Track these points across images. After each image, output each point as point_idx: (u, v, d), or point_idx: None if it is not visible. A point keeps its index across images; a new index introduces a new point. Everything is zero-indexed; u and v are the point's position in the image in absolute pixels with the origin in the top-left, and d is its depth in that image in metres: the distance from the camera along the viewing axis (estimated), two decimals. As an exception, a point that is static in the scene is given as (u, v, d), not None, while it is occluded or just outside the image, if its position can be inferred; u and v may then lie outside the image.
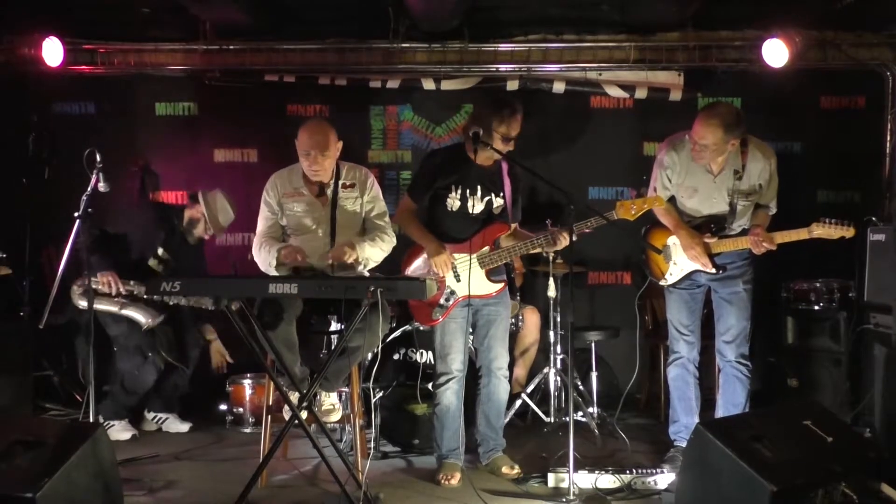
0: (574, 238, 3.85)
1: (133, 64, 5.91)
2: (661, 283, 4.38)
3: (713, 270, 4.18)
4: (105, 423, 4.71)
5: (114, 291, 4.75)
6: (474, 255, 4.13)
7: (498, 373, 4.23)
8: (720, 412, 4.31)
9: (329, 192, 4.24)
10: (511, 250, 4.15)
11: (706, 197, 4.24)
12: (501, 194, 4.20)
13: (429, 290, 3.51)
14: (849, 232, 4.01)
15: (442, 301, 4.13)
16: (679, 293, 4.35)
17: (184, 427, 5.11)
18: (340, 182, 4.26)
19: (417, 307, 4.18)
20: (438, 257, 4.06)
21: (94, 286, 4.48)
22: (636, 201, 4.01)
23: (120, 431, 4.89)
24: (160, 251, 4.98)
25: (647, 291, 4.94)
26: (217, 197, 5.03)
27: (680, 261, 4.30)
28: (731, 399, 4.26)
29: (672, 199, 4.38)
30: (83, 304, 4.72)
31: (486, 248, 4.16)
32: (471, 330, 4.27)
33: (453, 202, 4.15)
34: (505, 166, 4.22)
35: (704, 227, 4.24)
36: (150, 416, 5.14)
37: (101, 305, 4.72)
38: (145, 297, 4.84)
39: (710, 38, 5.79)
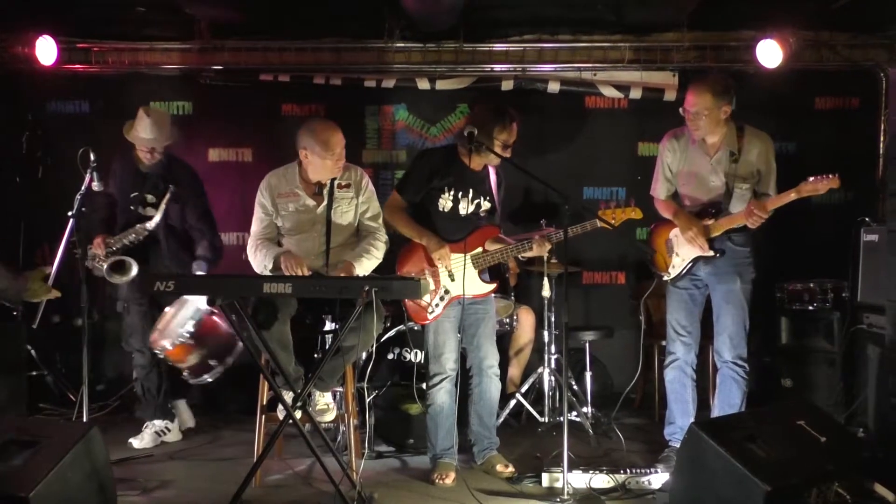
0: (550, 246, 3.99)
1: (127, 63, 5.90)
2: (666, 276, 4.38)
3: (711, 253, 4.20)
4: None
5: (103, 252, 4.68)
6: (468, 256, 4.14)
7: (489, 371, 4.24)
8: (715, 412, 4.31)
9: (325, 192, 4.23)
10: (503, 252, 4.18)
11: (704, 180, 4.27)
12: (489, 198, 4.24)
13: (424, 289, 3.51)
14: (835, 182, 4.01)
15: (437, 300, 4.14)
16: (679, 293, 4.36)
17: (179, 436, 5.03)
18: (336, 182, 4.26)
19: (412, 305, 4.18)
20: (440, 251, 4.08)
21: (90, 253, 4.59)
22: (616, 211, 4.11)
23: (146, 438, 4.82)
24: (149, 197, 4.82)
25: (641, 291, 4.94)
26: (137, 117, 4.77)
27: (682, 251, 4.31)
28: (727, 400, 4.26)
29: (675, 196, 4.44)
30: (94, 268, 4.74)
31: (480, 249, 4.18)
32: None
33: (445, 203, 4.16)
34: (492, 171, 4.26)
35: (703, 213, 4.28)
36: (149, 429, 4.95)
37: (97, 272, 4.73)
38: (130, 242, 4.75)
39: (704, 39, 5.81)
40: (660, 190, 4.42)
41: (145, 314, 4.84)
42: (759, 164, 4.22)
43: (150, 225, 4.72)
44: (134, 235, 4.73)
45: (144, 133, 4.69)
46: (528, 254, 4.19)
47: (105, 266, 4.66)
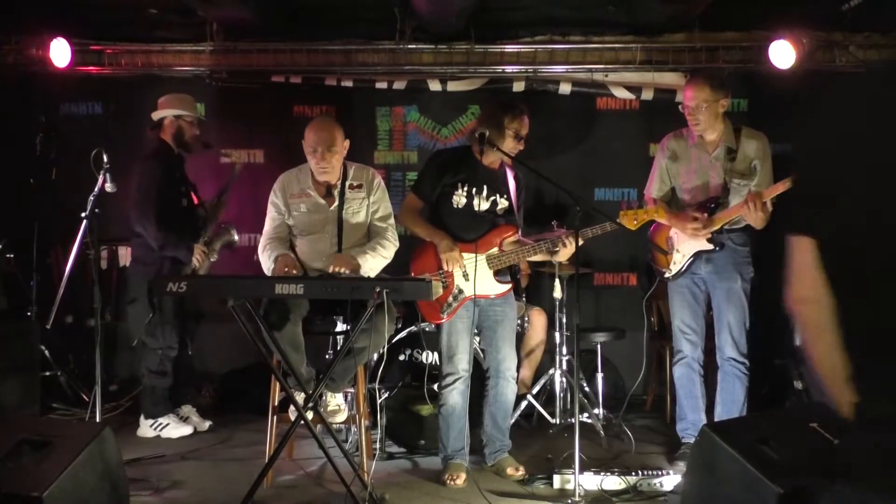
0: (580, 243, 3.90)
1: (140, 65, 5.94)
2: (667, 274, 4.43)
3: (711, 246, 4.26)
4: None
5: (205, 261, 4.88)
6: (483, 255, 4.13)
7: (507, 374, 4.23)
8: (719, 409, 4.34)
9: (336, 193, 4.24)
10: (518, 252, 4.16)
11: (704, 176, 4.34)
12: (506, 196, 4.22)
13: (435, 291, 3.51)
14: None
15: (450, 299, 4.13)
16: (681, 292, 4.40)
17: (187, 429, 5.05)
18: (347, 183, 4.27)
19: (425, 305, 4.18)
20: (450, 253, 4.08)
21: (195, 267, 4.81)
22: (638, 212, 4.11)
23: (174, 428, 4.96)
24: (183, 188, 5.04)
25: (653, 293, 4.94)
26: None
27: (682, 247, 4.36)
28: (731, 396, 4.29)
29: (671, 198, 4.48)
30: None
31: (495, 249, 4.16)
32: (476, 331, 4.27)
33: (459, 199, 4.16)
34: (510, 171, 4.25)
35: (702, 207, 4.32)
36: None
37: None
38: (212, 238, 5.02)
39: (716, 40, 5.80)
40: (654, 189, 4.50)
41: (177, 310, 4.96)
42: (756, 157, 4.30)
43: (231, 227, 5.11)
44: (227, 236, 5.04)
45: (192, 109, 5.03)
46: (554, 258, 4.15)
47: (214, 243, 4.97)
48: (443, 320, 4.14)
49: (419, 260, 4.25)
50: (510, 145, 4.08)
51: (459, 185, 4.15)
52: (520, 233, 4.26)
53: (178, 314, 4.98)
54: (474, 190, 4.16)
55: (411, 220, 4.25)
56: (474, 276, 4.08)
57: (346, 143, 4.24)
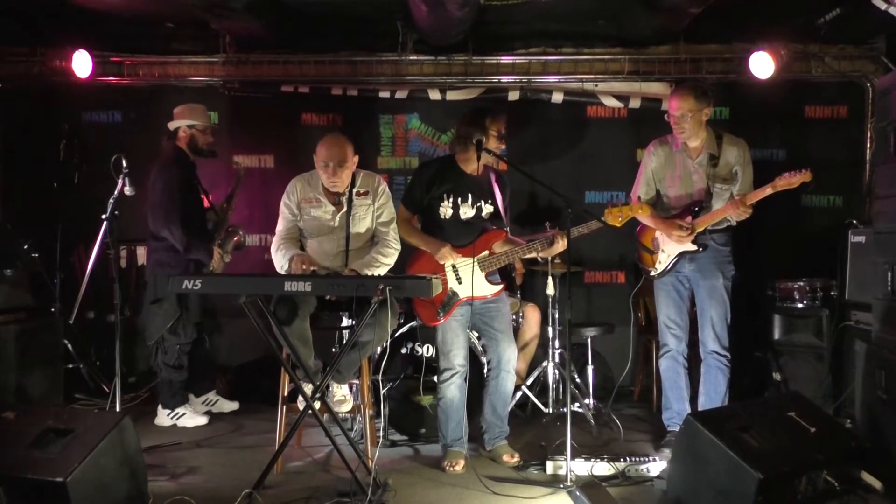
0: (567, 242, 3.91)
1: (157, 75, 5.94)
2: (653, 273, 4.43)
3: (695, 247, 4.26)
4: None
5: (221, 262, 4.94)
6: (476, 259, 4.13)
7: (507, 366, 4.22)
8: (702, 399, 4.35)
9: (344, 199, 4.23)
10: (509, 254, 4.16)
11: (688, 181, 4.34)
12: (490, 201, 4.21)
13: (434, 288, 3.52)
14: (806, 176, 4.09)
15: (445, 301, 4.12)
16: (667, 290, 4.40)
17: (202, 420, 5.04)
18: (355, 190, 4.25)
19: (422, 307, 4.17)
20: (442, 250, 4.08)
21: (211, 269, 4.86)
22: (623, 209, 4.09)
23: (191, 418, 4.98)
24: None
25: (640, 290, 4.94)
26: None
27: (667, 248, 4.37)
28: (713, 387, 4.30)
29: (656, 201, 4.46)
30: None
31: (486, 252, 4.16)
32: (475, 331, 4.26)
33: (446, 210, 4.15)
34: (493, 175, 4.24)
35: (686, 211, 4.32)
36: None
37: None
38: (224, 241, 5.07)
39: (699, 52, 5.81)
40: (640, 193, 4.50)
41: (202, 309, 5.02)
42: (736, 163, 4.29)
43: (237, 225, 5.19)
44: (236, 237, 5.10)
45: (203, 118, 5.06)
46: (548, 253, 4.16)
47: (228, 244, 5.05)
48: (439, 322, 4.13)
49: (414, 266, 4.23)
50: (493, 144, 4.08)
51: (445, 195, 4.14)
52: (508, 234, 4.26)
53: (203, 312, 5.00)
54: (459, 199, 4.15)
55: (405, 230, 4.25)
56: (471, 279, 4.07)
57: (356, 159, 4.22)
